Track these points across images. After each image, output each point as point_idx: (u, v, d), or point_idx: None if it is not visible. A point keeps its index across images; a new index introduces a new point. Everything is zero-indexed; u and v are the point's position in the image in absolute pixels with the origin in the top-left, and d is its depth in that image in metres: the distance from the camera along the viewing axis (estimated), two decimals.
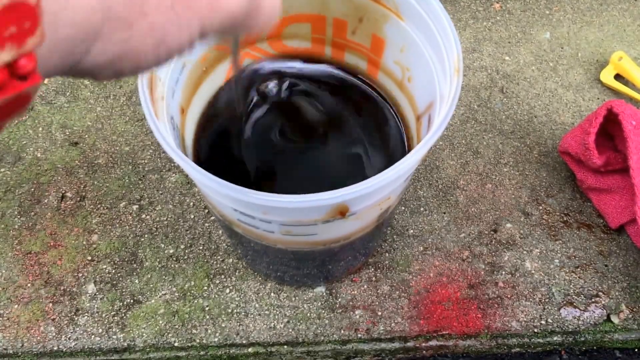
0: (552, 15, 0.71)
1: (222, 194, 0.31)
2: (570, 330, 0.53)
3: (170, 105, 0.38)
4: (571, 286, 0.55)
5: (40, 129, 0.60)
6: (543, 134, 0.62)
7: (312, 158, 0.45)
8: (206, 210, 0.56)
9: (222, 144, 0.45)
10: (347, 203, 0.32)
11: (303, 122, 0.46)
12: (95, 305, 0.52)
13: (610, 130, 0.56)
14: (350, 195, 0.29)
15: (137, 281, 0.53)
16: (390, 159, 0.45)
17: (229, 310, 0.52)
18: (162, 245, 0.54)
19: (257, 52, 0.47)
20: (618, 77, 0.66)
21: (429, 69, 0.39)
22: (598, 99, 0.65)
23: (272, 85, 0.48)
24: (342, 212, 0.33)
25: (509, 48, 0.68)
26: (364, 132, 0.46)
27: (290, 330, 0.51)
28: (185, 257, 0.54)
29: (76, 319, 0.51)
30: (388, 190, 0.35)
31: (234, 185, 0.29)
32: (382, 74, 0.46)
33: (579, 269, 0.56)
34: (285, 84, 0.48)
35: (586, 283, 0.55)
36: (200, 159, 0.44)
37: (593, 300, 0.54)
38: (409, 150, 0.45)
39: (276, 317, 0.52)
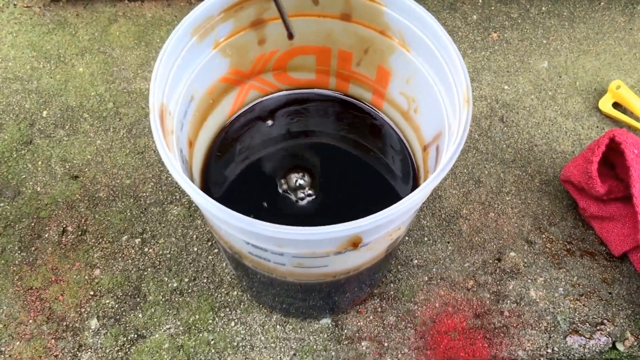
0: (549, 45, 0.73)
1: (237, 227, 0.32)
2: (576, 358, 0.54)
3: (179, 138, 0.39)
4: (576, 314, 0.56)
5: (40, 162, 0.61)
6: (544, 162, 0.64)
7: (319, 186, 0.46)
8: (209, 243, 0.57)
9: (229, 175, 0.46)
10: (361, 234, 0.33)
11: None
12: (99, 341, 0.52)
13: (611, 158, 0.58)
14: (366, 226, 0.31)
15: (140, 315, 0.53)
16: (397, 187, 0.46)
17: (235, 344, 0.52)
18: (166, 279, 0.55)
19: (263, 84, 0.48)
20: (616, 105, 0.68)
21: (436, 99, 0.41)
22: (597, 127, 0.67)
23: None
24: (355, 243, 0.34)
25: (508, 77, 0.70)
26: (372, 159, 0.47)
27: None
28: (189, 290, 0.54)
29: (79, 355, 0.51)
30: (399, 221, 0.36)
31: (251, 219, 0.31)
32: (388, 105, 0.48)
33: (583, 297, 0.57)
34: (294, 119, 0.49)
35: (591, 311, 0.56)
36: (209, 191, 0.45)
37: (598, 328, 0.55)
38: (417, 178, 0.46)
39: (282, 349, 0.52)
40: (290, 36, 0.41)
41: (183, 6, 0.73)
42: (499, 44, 0.73)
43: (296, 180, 0.45)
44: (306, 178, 0.46)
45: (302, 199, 0.45)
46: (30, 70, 0.67)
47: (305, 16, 0.43)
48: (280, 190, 0.46)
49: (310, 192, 0.45)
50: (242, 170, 0.47)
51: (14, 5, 0.72)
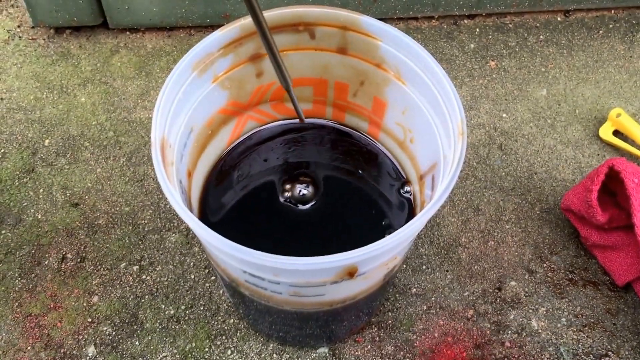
0: (547, 73, 0.75)
1: (235, 257, 0.33)
2: None
3: (179, 169, 0.41)
4: (580, 345, 0.56)
5: (41, 190, 0.63)
6: (544, 190, 0.66)
7: (313, 215, 0.48)
8: (207, 270, 0.58)
9: (226, 204, 0.48)
10: (357, 264, 0.35)
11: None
12: None
13: (612, 187, 0.59)
14: (362, 256, 0.32)
15: (137, 343, 0.55)
16: (394, 217, 0.48)
17: None
18: (163, 306, 0.57)
19: (261, 114, 0.51)
20: (617, 133, 0.70)
21: (431, 130, 0.42)
22: (598, 155, 0.68)
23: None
24: (351, 272, 0.36)
25: (506, 105, 0.72)
26: (369, 188, 0.49)
27: None
28: (186, 317, 0.56)
29: None
30: (395, 251, 0.38)
31: (248, 249, 0.32)
32: (384, 135, 0.50)
33: (586, 328, 0.57)
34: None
35: (595, 342, 0.57)
36: (207, 219, 0.47)
37: None
38: (413, 207, 0.48)
39: None
40: (302, 120, 0.44)
41: (183, 37, 0.76)
42: (497, 72, 0.75)
43: (300, 191, 0.48)
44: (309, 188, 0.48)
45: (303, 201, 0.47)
46: (33, 101, 0.70)
47: (302, 50, 0.46)
48: (281, 198, 0.48)
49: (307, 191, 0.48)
50: (239, 199, 0.49)
51: (19, 37, 0.75)
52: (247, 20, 0.41)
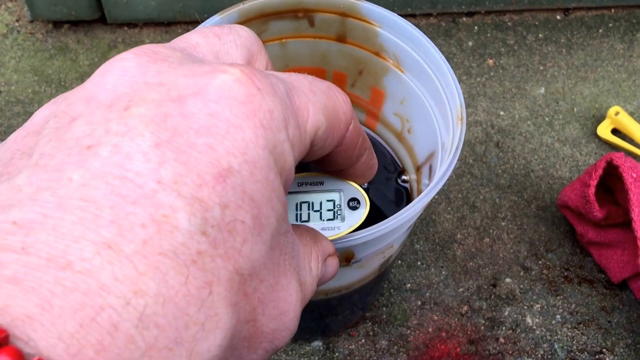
0: (546, 71, 0.75)
1: None
2: None
3: None
4: (574, 342, 0.56)
5: None
6: (540, 188, 0.65)
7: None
8: None
9: None
10: (353, 249, 0.34)
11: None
12: None
13: (610, 184, 0.59)
14: (358, 240, 0.32)
15: None
16: (390, 209, 0.47)
17: None
18: None
19: None
20: (616, 131, 0.69)
21: (430, 119, 0.42)
22: (596, 153, 0.68)
23: None
24: (347, 258, 0.36)
25: (504, 103, 0.72)
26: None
27: None
28: None
29: None
30: (392, 237, 0.37)
31: None
32: (381, 126, 0.49)
33: (581, 325, 0.57)
34: None
35: (589, 339, 0.57)
36: None
37: (597, 357, 0.56)
38: (408, 199, 0.48)
39: None
40: None
41: (180, 33, 0.76)
42: (494, 70, 0.75)
43: None
44: None
45: None
46: (31, 94, 0.70)
47: (301, 38, 0.45)
48: None
49: None
50: None
51: (18, 31, 0.75)
52: (245, 5, 0.41)
